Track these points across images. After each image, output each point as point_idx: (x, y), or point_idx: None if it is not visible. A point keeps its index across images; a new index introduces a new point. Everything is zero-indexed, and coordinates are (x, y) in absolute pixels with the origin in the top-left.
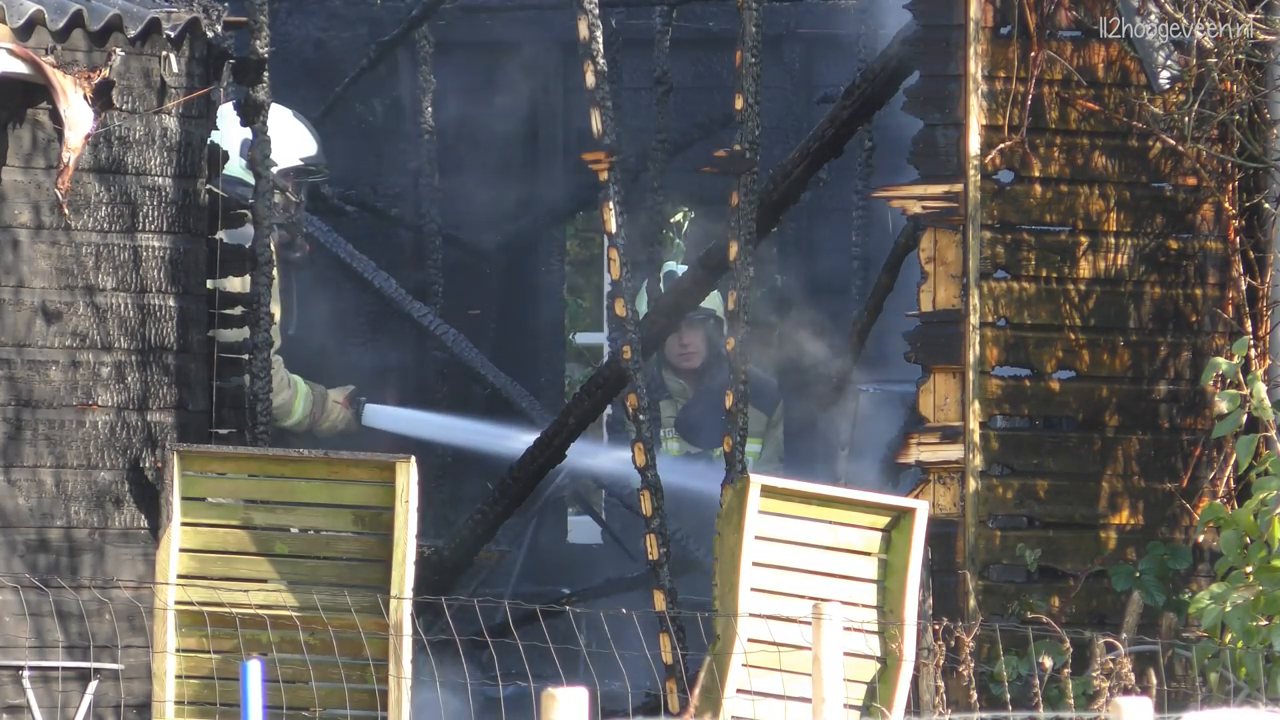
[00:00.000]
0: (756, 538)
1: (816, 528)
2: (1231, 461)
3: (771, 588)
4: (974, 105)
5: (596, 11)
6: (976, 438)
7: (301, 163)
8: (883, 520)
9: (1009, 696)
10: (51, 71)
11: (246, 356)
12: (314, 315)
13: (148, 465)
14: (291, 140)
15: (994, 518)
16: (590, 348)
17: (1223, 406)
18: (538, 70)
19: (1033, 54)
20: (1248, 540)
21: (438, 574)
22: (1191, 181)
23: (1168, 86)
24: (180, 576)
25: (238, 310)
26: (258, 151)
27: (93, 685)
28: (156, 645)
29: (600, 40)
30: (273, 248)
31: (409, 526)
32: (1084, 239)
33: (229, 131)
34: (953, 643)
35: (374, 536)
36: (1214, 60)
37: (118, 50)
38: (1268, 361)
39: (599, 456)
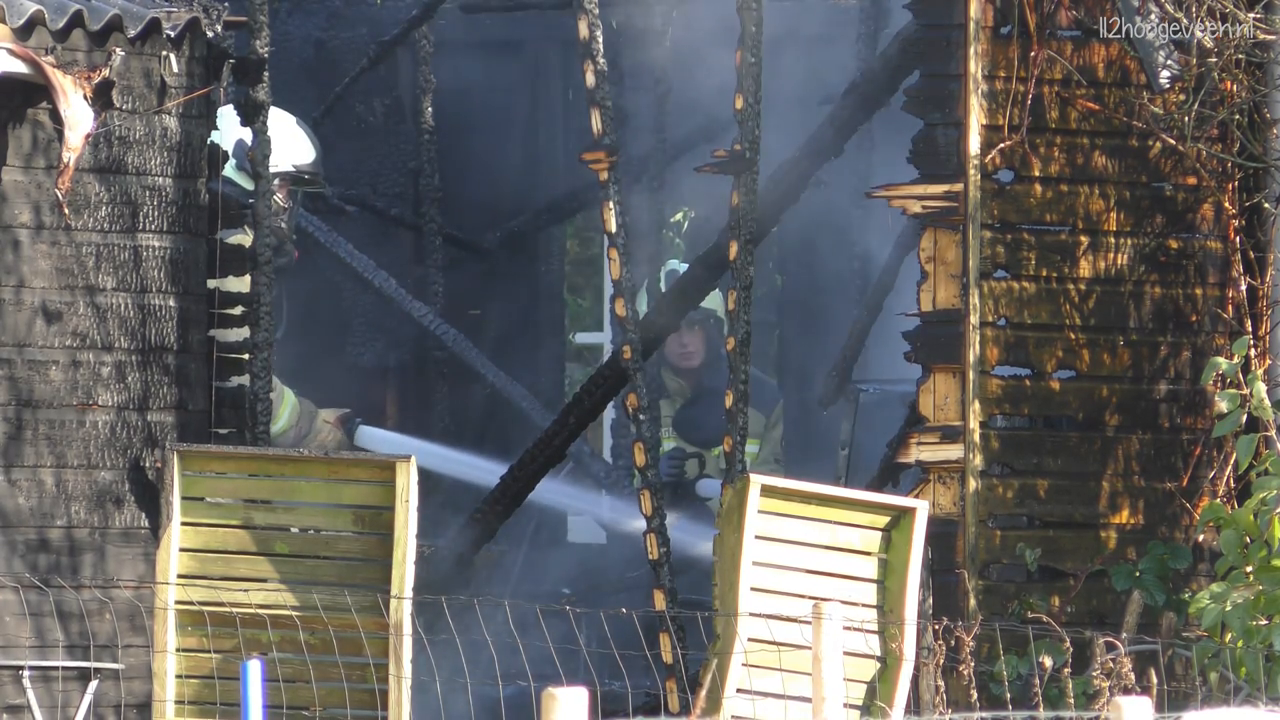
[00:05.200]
0: (756, 537)
1: (816, 527)
2: (1231, 461)
3: (771, 587)
4: (974, 105)
5: (596, 11)
6: (976, 437)
7: (294, 169)
8: (883, 520)
9: (1009, 696)
10: (51, 71)
11: (246, 356)
12: (314, 315)
13: (148, 465)
14: (286, 145)
15: (994, 517)
16: (590, 348)
17: (1223, 406)
18: (538, 70)
19: (1033, 54)
20: (1248, 540)
21: (437, 574)
22: (1191, 181)
23: (1168, 86)
24: (180, 576)
25: (238, 310)
26: (258, 152)
27: (93, 685)
28: (157, 645)
29: (600, 40)
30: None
31: (409, 526)
32: (1084, 239)
33: (224, 131)
34: (953, 642)
35: (374, 536)
36: (1214, 60)
37: (118, 50)
38: (1268, 361)
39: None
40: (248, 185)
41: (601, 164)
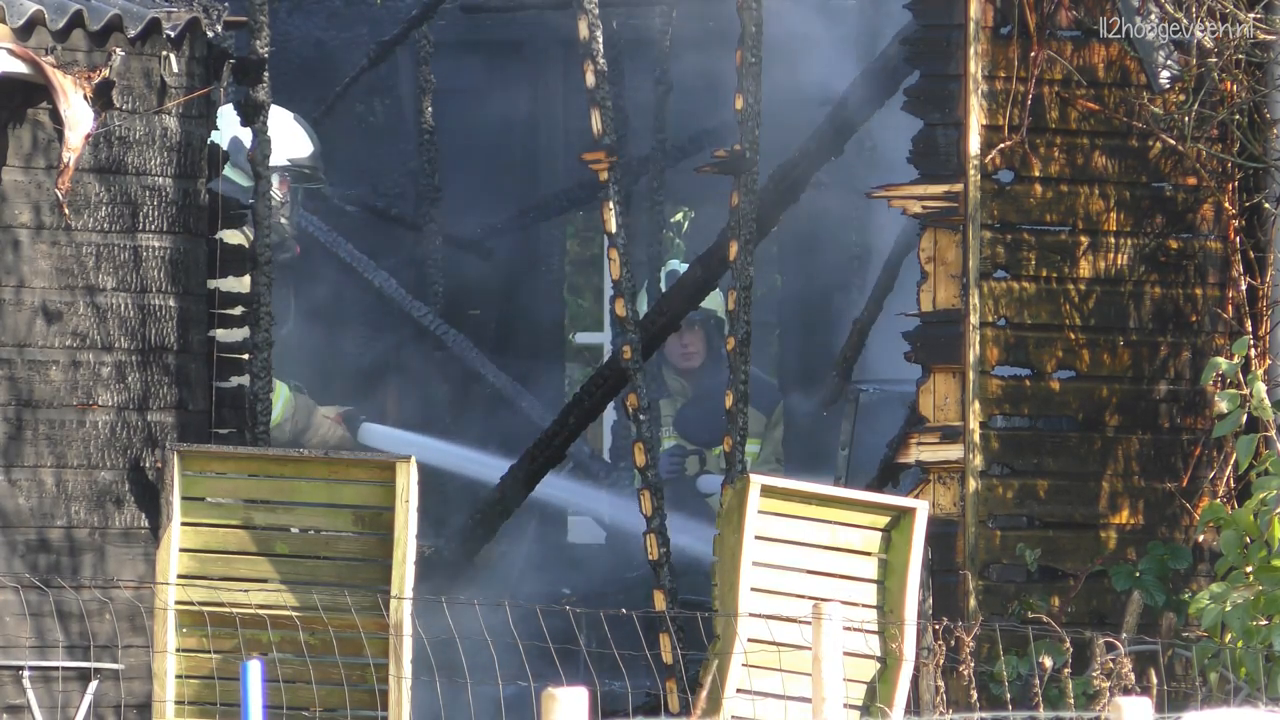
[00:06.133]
0: (756, 538)
1: (816, 528)
2: (1231, 461)
3: (771, 587)
4: (974, 105)
5: (596, 11)
6: (976, 438)
7: (289, 163)
8: (883, 520)
9: (1009, 696)
10: (51, 71)
11: (246, 356)
12: (314, 315)
13: (148, 465)
14: (283, 140)
15: (994, 518)
16: (590, 348)
17: (1223, 406)
18: (538, 70)
19: (1033, 54)
20: (1248, 540)
21: (438, 574)
22: (1191, 181)
23: (1168, 86)
24: (180, 576)
25: (238, 310)
26: (258, 152)
27: (93, 685)
28: (157, 645)
29: (600, 40)
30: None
31: (409, 526)
32: (1084, 239)
33: (220, 128)
34: (953, 643)
35: (374, 536)
36: (1214, 60)
37: (118, 50)
38: (1268, 361)
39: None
40: (244, 182)
41: (601, 164)
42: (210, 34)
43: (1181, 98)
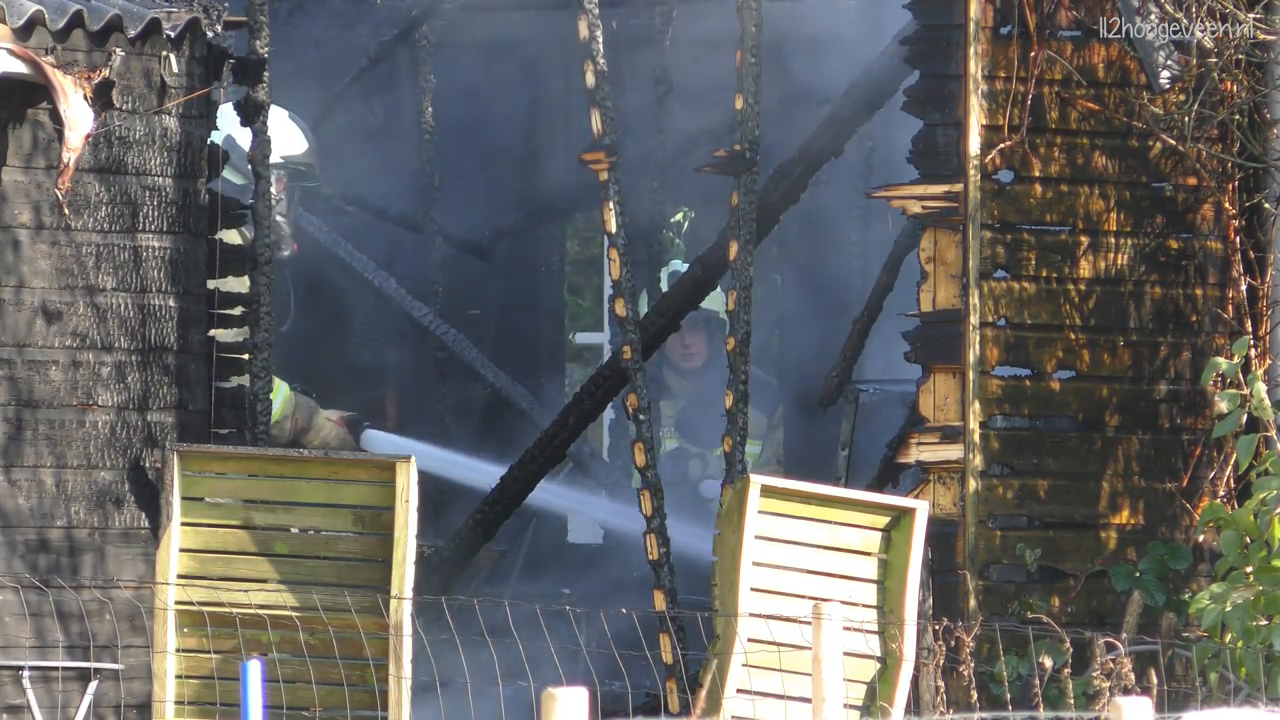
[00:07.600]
0: (756, 538)
1: (816, 528)
2: (1231, 461)
3: (771, 588)
4: (974, 105)
5: (596, 11)
6: (976, 438)
7: (283, 160)
8: (883, 520)
9: (1009, 696)
10: (51, 71)
11: (246, 356)
12: (314, 315)
13: (148, 465)
14: (278, 137)
15: (994, 518)
16: (590, 348)
17: (1223, 406)
18: (538, 70)
19: (1033, 54)
20: (1248, 540)
21: (438, 574)
22: (1191, 181)
23: (1168, 86)
24: (180, 576)
25: (238, 310)
26: (258, 152)
27: (93, 685)
28: (157, 645)
29: (600, 40)
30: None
31: (409, 526)
32: (1084, 239)
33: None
34: (953, 643)
35: (374, 536)
36: (1214, 60)
37: (118, 50)
38: (1268, 361)
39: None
40: (240, 181)
41: (601, 164)
42: (210, 34)
43: (1181, 98)
